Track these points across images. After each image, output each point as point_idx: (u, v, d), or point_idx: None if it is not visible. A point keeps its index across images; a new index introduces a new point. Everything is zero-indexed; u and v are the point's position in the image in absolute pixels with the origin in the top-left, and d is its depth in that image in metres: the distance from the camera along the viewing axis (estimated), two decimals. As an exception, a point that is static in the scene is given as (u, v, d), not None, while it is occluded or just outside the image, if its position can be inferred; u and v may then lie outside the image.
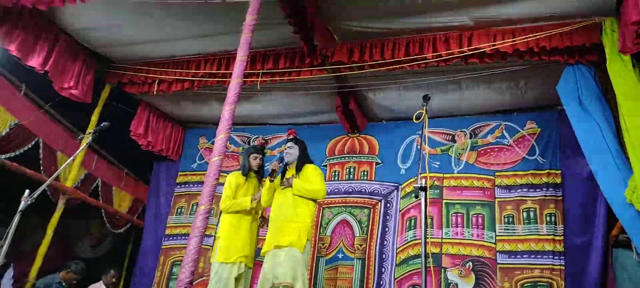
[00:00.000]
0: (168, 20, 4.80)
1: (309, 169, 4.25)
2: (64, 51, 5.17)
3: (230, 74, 3.18)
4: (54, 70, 5.05)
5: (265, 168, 4.76)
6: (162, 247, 6.36)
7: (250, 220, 4.43)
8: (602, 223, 4.66)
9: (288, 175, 4.28)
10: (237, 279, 4.18)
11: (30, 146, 5.25)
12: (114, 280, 5.94)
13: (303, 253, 3.87)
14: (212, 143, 5.01)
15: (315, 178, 4.19)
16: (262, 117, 6.54)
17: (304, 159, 4.31)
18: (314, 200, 4.21)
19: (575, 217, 4.88)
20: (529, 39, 4.25)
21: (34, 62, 4.85)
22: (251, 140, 6.63)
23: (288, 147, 4.36)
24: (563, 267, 4.72)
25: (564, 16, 4.18)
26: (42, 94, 5.35)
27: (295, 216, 4.03)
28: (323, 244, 5.66)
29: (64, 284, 5.38)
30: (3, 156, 4.88)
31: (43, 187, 3.25)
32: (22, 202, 3.15)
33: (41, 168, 5.34)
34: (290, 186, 4.13)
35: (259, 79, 5.13)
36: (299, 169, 4.24)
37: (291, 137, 4.49)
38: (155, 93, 5.66)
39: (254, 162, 4.59)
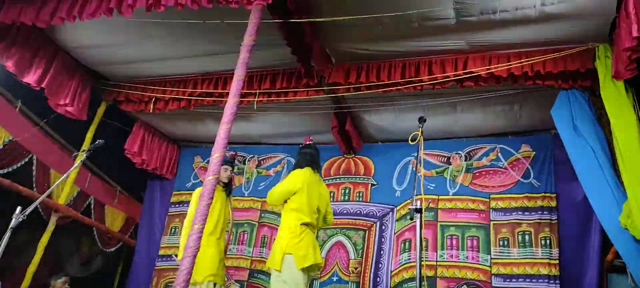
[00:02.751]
0: (165, 39, 4.83)
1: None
2: (60, 68, 5.18)
3: (227, 93, 3.19)
4: (50, 87, 5.05)
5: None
6: (156, 267, 6.28)
7: (217, 238, 4.33)
8: (596, 248, 4.65)
9: None
10: None
11: (23, 162, 5.21)
12: None
13: (281, 271, 3.70)
14: (207, 162, 4.99)
15: (280, 183, 4.10)
16: (258, 136, 6.54)
17: (296, 167, 4.18)
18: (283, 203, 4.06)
19: (570, 241, 4.88)
20: (523, 64, 4.29)
21: (30, 78, 4.85)
22: (246, 160, 6.61)
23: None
24: (558, 292, 4.70)
25: (558, 41, 4.23)
26: (38, 111, 5.34)
27: (278, 233, 3.99)
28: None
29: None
30: (-4, 172, 4.84)
31: (35, 204, 3.21)
32: (14, 219, 3.11)
33: (34, 185, 5.29)
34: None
35: (256, 99, 5.14)
36: None
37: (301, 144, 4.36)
38: (151, 111, 5.66)
39: (224, 173, 4.54)
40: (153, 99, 5.59)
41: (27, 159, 5.25)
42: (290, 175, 4.05)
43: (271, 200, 4.06)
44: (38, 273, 5.17)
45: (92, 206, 6.21)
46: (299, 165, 4.12)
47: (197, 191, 4.36)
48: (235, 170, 6.54)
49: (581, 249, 4.76)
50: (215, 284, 4.19)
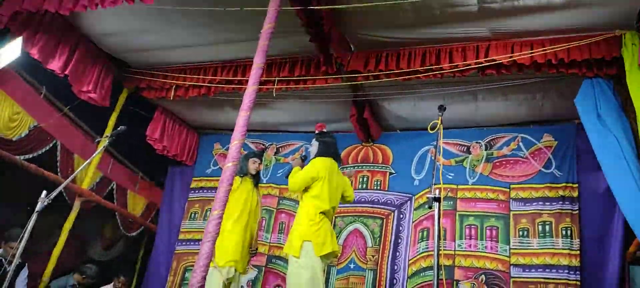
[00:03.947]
0: (186, 27, 4.86)
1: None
2: (84, 56, 5.26)
3: (246, 80, 3.21)
4: (74, 74, 5.14)
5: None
6: (175, 251, 6.39)
7: (244, 226, 4.37)
8: (619, 239, 4.57)
9: None
10: (225, 283, 4.17)
11: (48, 148, 5.33)
12: (122, 285, 5.97)
13: (301, 258, 3.72)
14: (227, 149, 5.03)
15: (304, 168, 4.04)
16: (277, 124, 6.56)
17: (318, 155, 4.12)
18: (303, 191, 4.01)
19: (591, 231, 4.81)
20: (547, 51, 4.21)
21: (55, 65, 4.94)
22: (265, 147, 6.65)
23: (310, 144, 4.25)
24: (579, 282, 4.64)
25: (583, 29, 4.14)
26: (62, 97, 5.44)
27: (296, 220, 4.00)
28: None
29: (77, 286, 5.43)
30: (22, 157, 4.96)
31: (60, 188, 3.29)
32: (39, 203, 3.19)
33: (58, 170, 5.41)
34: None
35: (275, 86, 5.15)
36: None
37: (316, 132, 4.29)
38: (172, 98, 5.71)
39: (253, 165, 4.59)
40: (174, 86, 5.64)
41: (51, 144, 5.37)
42: (312, 163, 4.04)
43: (293, 186, 4.03)
44: (62, 256, 5.31)
45: (114, 191, 6.34)
46: (320, 154, 4.11)
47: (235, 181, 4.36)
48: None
49: (603, 240, 4.68)
50: (235, 270, 4.25)
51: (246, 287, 5.85)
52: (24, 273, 4.95)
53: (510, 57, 4.32)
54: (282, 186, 6.17)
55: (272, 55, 5.10)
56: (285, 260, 5.07)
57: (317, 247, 3.73)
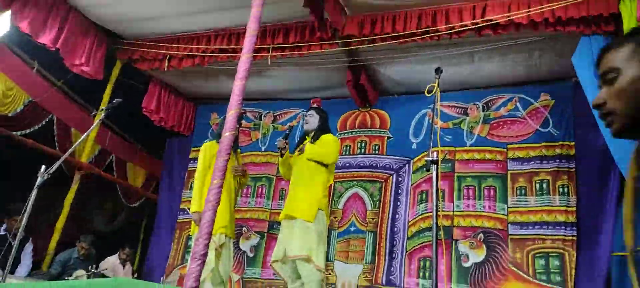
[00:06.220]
0: (177, -5, 4.78)
1: (326, 137, 4.12)
2: (74, 28, 5.18)
3: (241, 49, 3.17)
4: (65, 47, 5.07)
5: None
6: (178, 221, 6.46)
7: (230, 191, 4.36)
8: (615, 196, 4.62)
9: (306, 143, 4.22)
10: (218, 250, 4.23)
11: (44, 123, 5.32)
12: (126, 256, 6.06)
13: (314, 223, 3.81)
14: (224, 118, 5.02)
15: (329, 144, 4.06)
16: (273, 92, 6.53)
17: (322, 129, 4.16)
18: (325, 166, 4.03)
19: (588, 188, 4.85)
20: (544, 9, 4.16)
21: (45, 39, 4.87)
22: (262, 116, 6.64)
23: (308, 115, 4.25)
24: (575, 238, 4.72)
25: (580, -15, 4.08)
26: (55, 71, 5.39)
27: (306, 186, 4.02)
28: (335, 217, 5.71)
29: (81, 257, 5.52)
30: (18, 133, 4.95)
31: (59, 162, 3.30)
32: (39, 178, 3.20)
33: (56, 144, 5.42)
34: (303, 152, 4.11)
35: (270, 54, 5.11)
36: (316, 138, 4.11)
37: (314, 105, 4.41)
38: (166, 69, 5.66)
39: None
40: (167, 57, 5.58)
41: (47, 119, 5.36)
42: (334, 138, 4.13)
43: (334, 157, 4.05)
44: (66, 229, 5.37)
45: (113, 163, 6.36)
46: (328, 130, 4.18)
47: (204, 146, 4.38)
48: (251, 126, 6.61)
49: (599, 197, 4.74)
50: (226, 235, 4.30)
51: (249, 252, 5.95)
52: (29, 246, 5.03)
53: (507, 16, 4.27)
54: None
55: (266, 22, 5.03)
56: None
57: (327, 218, 4.04)
